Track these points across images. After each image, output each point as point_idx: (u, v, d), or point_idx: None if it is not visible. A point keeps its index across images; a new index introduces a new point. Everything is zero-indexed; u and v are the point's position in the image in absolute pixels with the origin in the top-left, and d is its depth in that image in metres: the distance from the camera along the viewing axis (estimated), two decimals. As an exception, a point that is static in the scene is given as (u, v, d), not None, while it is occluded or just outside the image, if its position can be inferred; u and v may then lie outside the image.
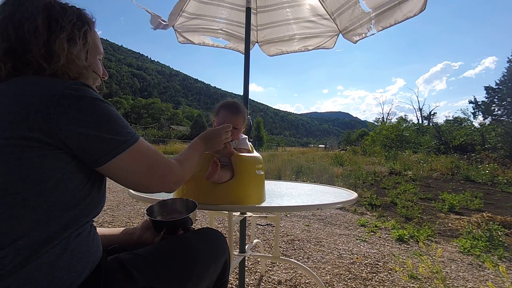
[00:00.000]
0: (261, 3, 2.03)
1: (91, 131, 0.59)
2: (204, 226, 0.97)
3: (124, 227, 0.93)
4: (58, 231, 0.57)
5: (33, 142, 0.55)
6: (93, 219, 0.68)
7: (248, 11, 1.74)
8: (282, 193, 1.44)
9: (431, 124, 31.08)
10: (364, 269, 2.12)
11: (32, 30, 0.62)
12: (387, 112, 47.94)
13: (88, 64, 0.71)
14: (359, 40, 1.87)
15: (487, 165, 9.97)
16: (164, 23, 1.82)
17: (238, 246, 1.69)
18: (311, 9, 2.02)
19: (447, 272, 2.13)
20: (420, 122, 35.84)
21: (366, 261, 2.27)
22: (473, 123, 24.41)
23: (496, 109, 23.31)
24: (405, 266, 2.20)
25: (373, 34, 1.74)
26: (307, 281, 1.89)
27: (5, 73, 0.62)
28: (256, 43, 2.25)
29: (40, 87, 0.59)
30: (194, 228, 0.89)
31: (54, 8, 0.66)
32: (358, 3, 1.72)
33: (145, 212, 0.90)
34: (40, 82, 0.60)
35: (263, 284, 1.86)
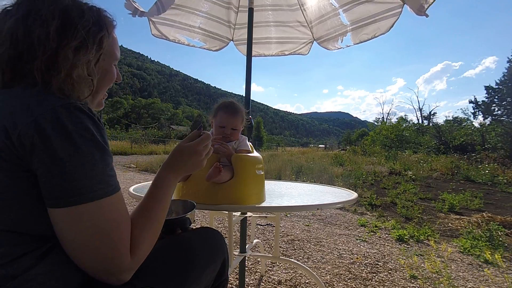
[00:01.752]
0: (245, 3, 2.04)
1: (51, 166, 0.50)
2: (203, 226, 0.97)
3: None
4: (53, 245, 0.55)
5: (2, 162, 0.51)
6: None
7: (250, 11, 1.74)
8: (282, 193, 1.44)
9: (431, 124, 31.10)
10: (364, 269, 2.12)
11: (43, 38, 0.56)
12: (387, 112, 48.03)
13: (94, 75, 0.64)
14: (335, 49, 2.02)
15: (487, 165, 9.98)
16: (140, 10, 1.68)
17: (238, 246, 1.69)
18: (292, 15, 2.07)
19: (447, 272, 2.13)
20: (420, 122, 35.86)
21: (366, 261, 2.27)
22: (473, 123, 24.44)
23: (496, 109, 23.34)
24: (405, 266, 2.20)
25: (348, 46, 1.90)
26: (307, 281, 1.89)
27: (1, 83, 0.58)
28: (231, 41, 2.25)
29: (22, 105, 0.53)
30: (192, 228, 0.89)
31: (72, 13, 0.60)
32: (338, 15, 1.84)
33: None
34: (25, 98, 0.54)
35: (263, 284, 1.86)
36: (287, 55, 2.26)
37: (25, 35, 0.56)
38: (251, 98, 1.73)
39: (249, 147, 1.24)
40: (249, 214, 1.74)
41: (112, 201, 0.55)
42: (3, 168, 0.51)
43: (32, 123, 0.50)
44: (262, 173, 1.20)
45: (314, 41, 2.14)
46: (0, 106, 0.55)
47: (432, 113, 38.47)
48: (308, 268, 1.79)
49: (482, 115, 24.61)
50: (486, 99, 24.32)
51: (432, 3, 1.35)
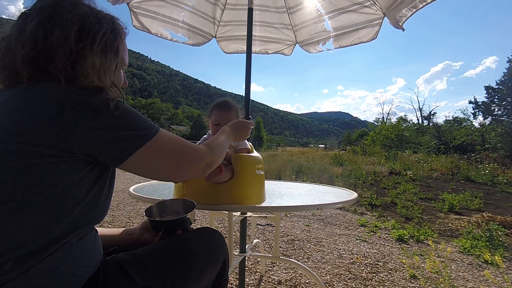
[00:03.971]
0: (233, 0, 2.05)
1: (108, 131, 0.59)
2: (204, 226, 0.97)
3: (124, 227, 0.93)
4: (60, 236, 0.57)
5: (45, 149, 0.55)
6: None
7: (250, 11, 1.74)
8: (282, 193, 1.44)
9: (431, 124, 31.08)
10: (364, 269, 2.12)
11: (62, 41, 0.60)
12: (387, 112, 48.00)
13: (113, 80, 0.68)
14: (316, 52, 2.11)
15: (487, 165, 9.98)
16: None
17: (238, 246, 1.69)
18: (277, 17, 2.11)
19: (447, 272, 2.13)
20: (420, 122, 35.85)
21: (366, 261, 2.27)
22: (473, 123, 24.43)
23: (496, 109, 23.34)
24: (406, 265, 2.20)
25: (329, 49, 2.03)
26: (307, 281, 1.89)
27: (24, 79, 0.61)
28: (214, 38, 2.26)
29: (55, 93, 0.58)
30: (193, 228, 0.89)
31: (89, 20, 0.65)
32: (323, 21, 1.94)
33: (144, 212, 0.90)
34: (55, 88, 0.59)
35: (263, 284, 1.86)
36: (270, 54, 2.30)
37: (44, 37, 0.60)
38: (251, 98, 1.73)
39: (249, 146, 1.25)
40: (249, 214, 1.73)
41: (164, 131, 0.69)
42: (46, 154, 0.55)
43: (71, 107, 0.56)
44: (262, 173, 1.20)
45: (297, 44, 2.20)
46: (34, 99, 0.58)
47: (432, 113, 38.45)
48: (308, 268, 1.79)
49: (482, 115, 24.64)
50: (486, 99, 24.34)
51: (409, 17, 1.49)
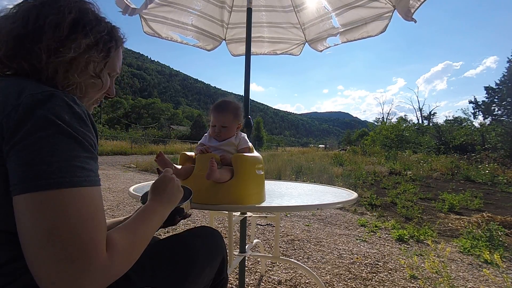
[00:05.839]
0: (239, 2, 2.05)
1: (13, 151, 0.48)
2: (201, 225, 0.97)
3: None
4: None
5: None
6: None
7: (249, 11, 1.74)
8: (282, 193, 1.44)
9: (431, 124, 31.08)
10: (364, 269, 2.12)
11: (53, 24, 0.59)
12: (387, 112, 48.04)
13: (97, 73, 0.66)
14: (324, 50, 2.11)
15: (487, 165, 9.99)
16: (132, 6, 1.60)
17: (238, 246, 1.69)
18: (285, 17, 2.10)
19: (447, 272, 2.13)
20: (420, 122, 35.87)
21: (366, 261, 2.27)
22: (473, 123, 24.46)
23: (496, 109, 23.38)
24: (405, 266, 2.20)
25: (336, 44, 2.01)
26: (307, 281, 1.89)
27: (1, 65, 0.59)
28: (224, 41, 2.26)
29: (7, 92, 0.53)
30: (191, 214, 0.88)
31: (88, 16, 0.64)
32: (330, 18, 1.92)
33: (140, 200, 0.89)
34: (11, 86, 0.54)
35: (263, 284, 1.86)
36: (279, 54, 2.30)
37: (36, 18, 0.59)
38: (251, 98, 1.73)
39: (250, 144, 1.24)
40: (249, 214, 1.74)
41: (78, 194, 0.48)
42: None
43: (11, 112, 0.49)
44: (262, 173, 1.20)
45: (306, 43, 2.19)
46: None
47: (432, 113, 38.47)
48: (308, 268, 1.79)
49: (482, 115, 24.68)
50: (486, 99, 24.37)
51: (418, 7, 1.46)
